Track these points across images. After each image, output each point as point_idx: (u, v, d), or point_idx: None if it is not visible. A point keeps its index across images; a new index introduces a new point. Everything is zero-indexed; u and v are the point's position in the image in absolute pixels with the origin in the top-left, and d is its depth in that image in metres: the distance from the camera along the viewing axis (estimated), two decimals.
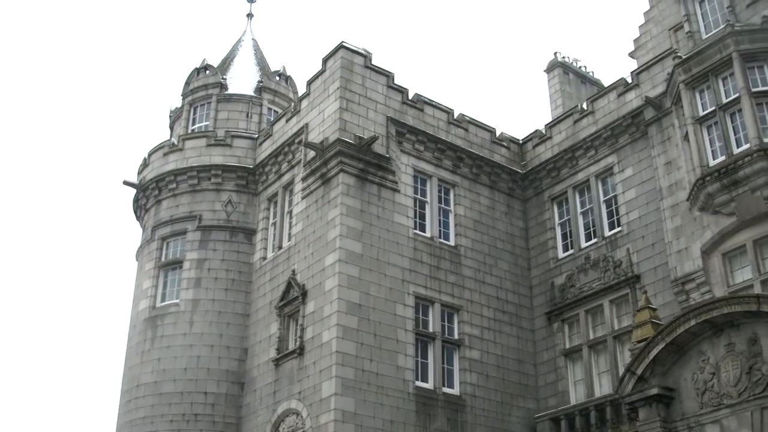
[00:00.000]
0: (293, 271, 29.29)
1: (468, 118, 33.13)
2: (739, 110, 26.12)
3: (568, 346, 30.16)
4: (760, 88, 26.05)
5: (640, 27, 31.38)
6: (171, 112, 38.55)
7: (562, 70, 39.40)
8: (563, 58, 39.83)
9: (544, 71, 39.92)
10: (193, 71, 37.93)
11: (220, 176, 33.47)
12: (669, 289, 27.08)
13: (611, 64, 79.09)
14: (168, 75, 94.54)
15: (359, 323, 26.90)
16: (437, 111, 32.29)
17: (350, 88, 30.10)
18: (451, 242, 30.80)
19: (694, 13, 29.41)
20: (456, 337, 29.29)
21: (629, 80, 30.94)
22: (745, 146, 25.62)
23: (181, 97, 37.74)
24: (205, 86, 37.19)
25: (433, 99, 32.22)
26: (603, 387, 28.42)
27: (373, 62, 31.24)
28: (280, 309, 29.42)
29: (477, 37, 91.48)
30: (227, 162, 33.71)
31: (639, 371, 22.72)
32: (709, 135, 26.91)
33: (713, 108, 26.76)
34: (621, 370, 24.92)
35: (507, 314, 30.90)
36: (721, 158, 26.19)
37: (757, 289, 24.15)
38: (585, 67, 40.47)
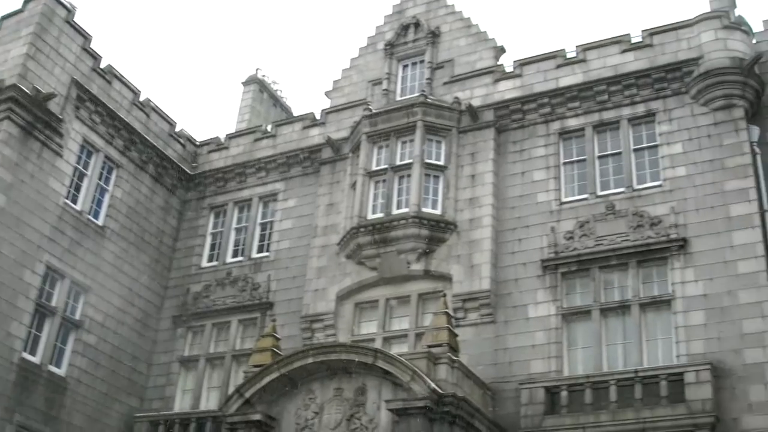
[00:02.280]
0: None
1: (153, 105, 32.41)
2: (409, 175, 27.46)
3: (186, 354, 29.96)
4: (433, 161, 27.58)
5: (344, 71, 32.30)
6: None
7: (259, 87, 39.56)
8: (263, 76, 40.03)
9: (242, 83, 39.93)
10: None
11: None
12: (297, 324, 27.69)
13: (308, 97, 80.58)
14: None
15: None
16: (125, 88, 31.32)
17: (43, 38, 28.50)
18: (100, 222, 29.75)
19: (396, 74, 30.87)
20: (77, 317, 28.21)
21: (318, 117, 31.66)
22: (404, 210, 26.93)
23: None
24: None
25: (124, 75, 31.24)
26: (210, 402, 28.43)
27: (75, 19, 29.85)
28: None
29: (192, 31, 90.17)
30: None
31: (247, 394, 22.88)
32: (375, 190, 28.01)
33: (386, 166, 27.93)
34: (232, 390, 25.06)
35: (135, 308, 30.22)
36: (379, 215, 27.33)
37: (378, 345, 25.21)
38: (281, 91, 40.89)
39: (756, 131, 25.37)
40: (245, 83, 39.84)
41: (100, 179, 30.10)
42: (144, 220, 31.44)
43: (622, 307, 23.99)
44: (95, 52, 30.23)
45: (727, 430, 21.29)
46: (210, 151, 33.65)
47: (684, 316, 23.07)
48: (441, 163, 27.64)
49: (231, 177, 32.52)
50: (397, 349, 24.53)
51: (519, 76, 28.41)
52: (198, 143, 34.20)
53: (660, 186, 25.11)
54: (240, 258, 30.94)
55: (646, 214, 24.66)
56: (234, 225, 31.89)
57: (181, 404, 29.14)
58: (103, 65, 30.56)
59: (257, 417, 22.50)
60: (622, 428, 21.81)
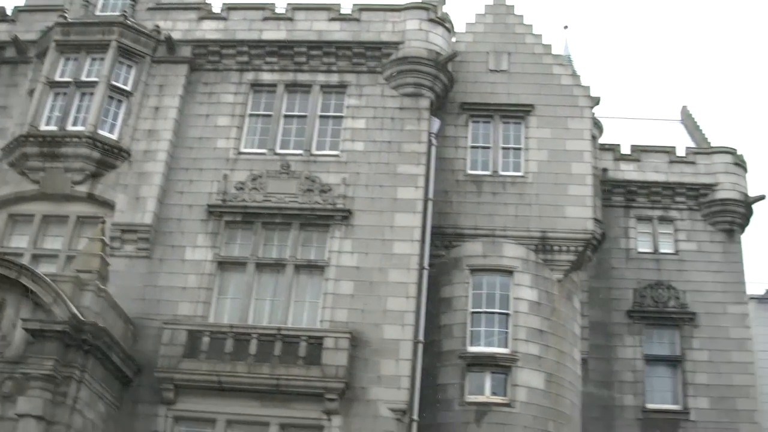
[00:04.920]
0: None
1: None
2: (92, 94, 26.41)
3: None
4: (119, 84, 26.68)
5: None
6: None
7: None
8: None
9: None
10: None
11: None
12: None
13: None
14: None
15: None
16: None
17: None
18: None
19: None
20: None
21: (8, 13, 29.71)
22: (80, 128, 25.92)
23: None
24: None
25: None
26: None
27: None
28: None
29: None
30: None
31: None
32: (53, 101, 26.72)
33: (70, 80, 26.74)
34: None
35: None
36: (53, 127, 26.11)
37: (26, 261, 24.11)
38: None
39: (437, 124, 26.67)
40: None
41: None
42: None
43: (278, 265, 24.46)
44: None
45: (355, 398, 22.39)
46: None
47: (334, 284, 23.91)
48: (128, 88, 26.77)
49: None
50: (45, 269, 23.46)
51: (224, 19, 28.06)
52: None
53: (337, 156, 25.77)
54: None
55: (319, 180, 25.24)
56: None
57: None
58: None
59: None
60: (256, 381, 22.35)
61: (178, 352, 22.87)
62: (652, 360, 29.72)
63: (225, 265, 24.66)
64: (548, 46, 29.01)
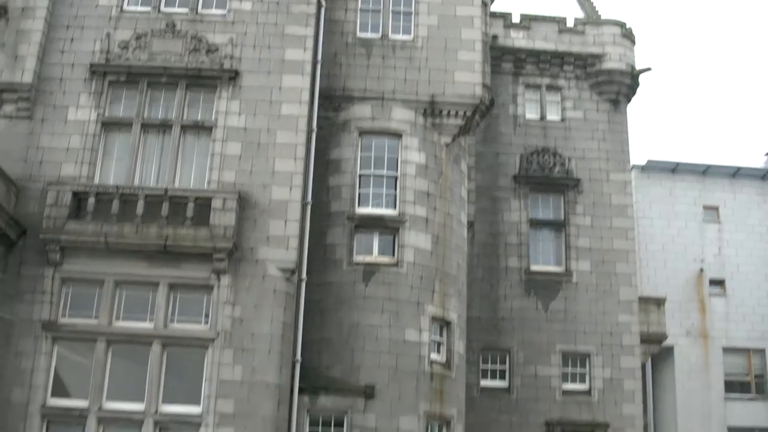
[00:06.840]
0: None
1: None
2: None
3: None
4: None
5: None
6: None
7: None
8: None
9: None
10: None
11: None
12: None
13: None
14: None
15: None
16: None
17: None
18: None
19: None
20: None
21: None
22: None
23: None
24: None
25: None
26: None
27: None
28: None
29: None
30: None
31: None
32: None
33: None
34: None
35: None
36: None
37: None
38: None
39: None
40: None
41: None
42: None
43: (164, 126, 24.09)
44: None
45: (244, 258, 22.62)
46: None
47: (222, 145, 23.71)
48: None
49: None
50: None
51: None
52: None
53: (224, 15, 25.09)
54: None
55: (205, 39, 24.60)
56: None
57: None
58: None
59: None
60: (144, 242, 22.29)
61: (63, 213, 22.47)
62: (536, 224, 30.62)
63: (109, 125, 24.11)
64: None
